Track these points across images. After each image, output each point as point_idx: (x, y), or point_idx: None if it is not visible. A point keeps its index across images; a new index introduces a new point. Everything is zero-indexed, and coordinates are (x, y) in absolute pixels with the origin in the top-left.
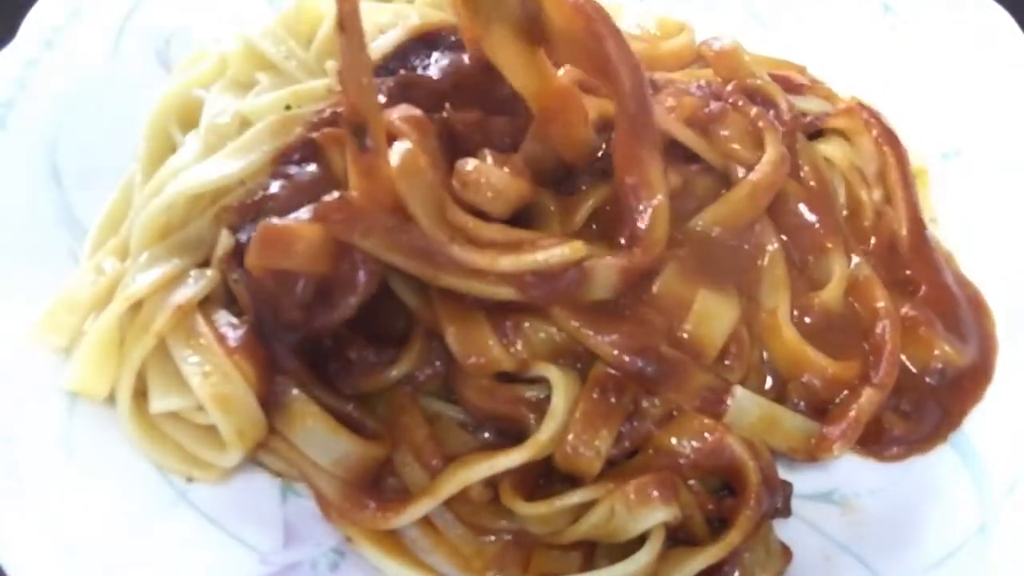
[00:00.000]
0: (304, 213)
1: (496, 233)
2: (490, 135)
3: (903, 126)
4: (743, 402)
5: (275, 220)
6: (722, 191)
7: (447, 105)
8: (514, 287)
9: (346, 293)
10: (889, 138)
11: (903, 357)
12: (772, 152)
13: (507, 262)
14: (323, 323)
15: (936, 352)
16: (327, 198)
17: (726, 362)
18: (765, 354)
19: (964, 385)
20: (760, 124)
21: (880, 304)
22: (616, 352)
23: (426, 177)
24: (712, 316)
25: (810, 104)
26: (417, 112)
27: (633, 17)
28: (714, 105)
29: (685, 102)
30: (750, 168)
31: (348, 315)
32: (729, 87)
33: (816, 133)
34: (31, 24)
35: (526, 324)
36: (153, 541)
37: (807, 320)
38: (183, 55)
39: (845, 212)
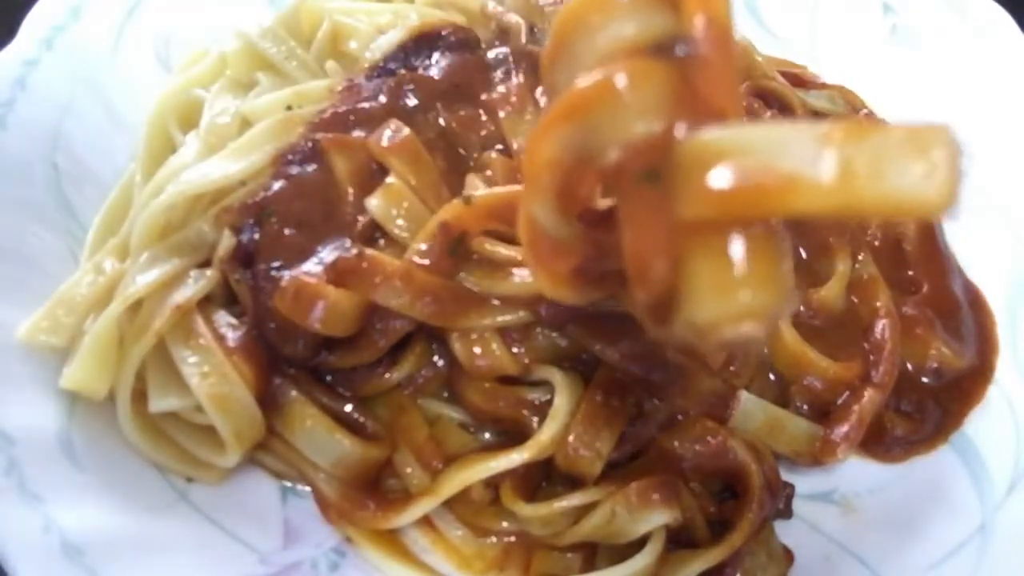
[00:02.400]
0: (317, 265)
1: (514, 251)
2: (487, 136)
3: None
4: (748, 407)
5: (308, 277)
6: None
7: (439, 106)
8: (529, 311)
9: (361, 351)
10: None
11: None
12: None
13: (508, 287)
14: (327, 363)
15: (932, 352)
16: (344, 254)
17: (732, 367)
18: (766, 349)
19: (964, 385)
20: None
21: (880, 303)
22: (622, 358)
23: (423, 216)
24: None
25: (821, 101)
26: (405, 133)
27: None
28: None
29: None
30: None
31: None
32: (742, 88)
33: None
34: (31, 24)
35: (533, 330)
36: (153, 541)
37: (806, 317)
38: (183, 55)
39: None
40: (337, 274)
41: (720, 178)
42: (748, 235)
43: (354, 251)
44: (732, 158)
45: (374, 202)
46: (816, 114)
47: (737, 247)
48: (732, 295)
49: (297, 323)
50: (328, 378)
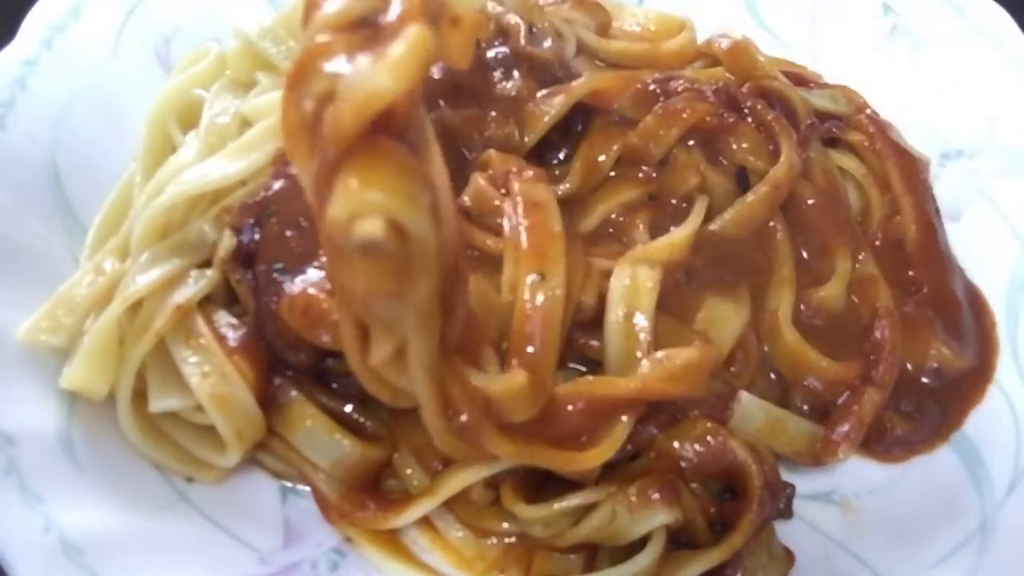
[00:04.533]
0: (319, 270)
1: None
2: (490, 135)
3: (903, 126)
4: (749, 407)
5: (318, 292)
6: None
7: (441, 103)
8: None
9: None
10: (894, 150)
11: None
12: (787, 155)
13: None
14: (329, 368)
15: (932, 352)
16: None
17: (732, 368)
18: (766, 348)
19: (964, 385)
20: (776, 128)
21: (880, 303)
22: None
23: None
24: (719, 321)
25: (824, 101)
26: None
27: (633, 16)
28: (728, 116)
29: (697, 108)
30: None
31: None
32: (745, 88)
33: (831, 139)
34: (31, 24)
35: None
36: (153, 541)
37: (806, 317)
38: (183, 55)
39: (859, 218)
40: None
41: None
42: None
43: None
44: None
45: None
46: (819, 114)
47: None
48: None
49: (304, 336)
50: (328, 379)
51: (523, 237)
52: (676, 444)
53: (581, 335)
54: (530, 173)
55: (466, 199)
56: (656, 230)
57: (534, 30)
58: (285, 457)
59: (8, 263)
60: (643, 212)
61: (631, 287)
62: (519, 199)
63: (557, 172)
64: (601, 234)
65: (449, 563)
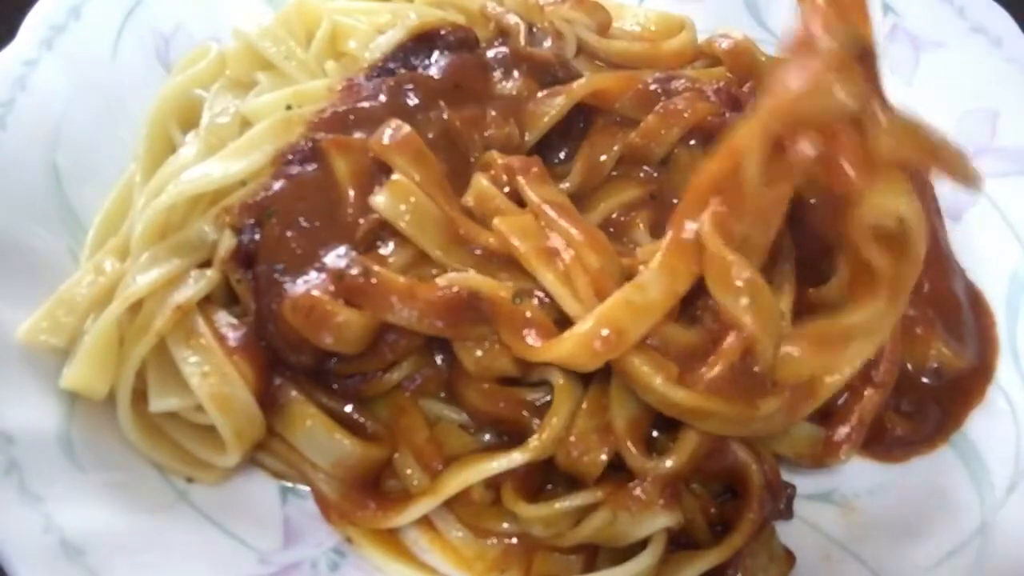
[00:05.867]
0: (321, 272)
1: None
2: (490, 135)
3: None
4: None
5: (321, 294)
6: None
7: (442, 103)
8: None
9: (367, 361)
10: None
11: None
12: None
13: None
14: (330, 369)
15: (932, 352)
16: (351, 270)
17: None
18: None
19: (964, 385)
20: None
21: None
22: None
23: (431, 212)
24: None
25: None
26: (406, 131)
27: (633, 16)
28: (730, 116)
29: (698, 108)
30: None
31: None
32: (746, 88)
33: None
34: (31, 24)
35: None
36: (153, 541)
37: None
38: (183, 55)
39: None
40: (345, 293)
41: None
42: None
43: (360, 269)
44: None
45: (380, 199)
46: None
47: None
48: None
49: (307, 338)
50: (328, 379)
51: (575, 232)
52: None
53: None
54: (534, 169)
55: (469, 199)
56: (657, 230)
57: (534, 30)
58: (285, 457)
59: (8, 263)
60: (644, 212)
61: None
62: (545, 206)
63: (558, 171)
64: None
65: (449, 563)
